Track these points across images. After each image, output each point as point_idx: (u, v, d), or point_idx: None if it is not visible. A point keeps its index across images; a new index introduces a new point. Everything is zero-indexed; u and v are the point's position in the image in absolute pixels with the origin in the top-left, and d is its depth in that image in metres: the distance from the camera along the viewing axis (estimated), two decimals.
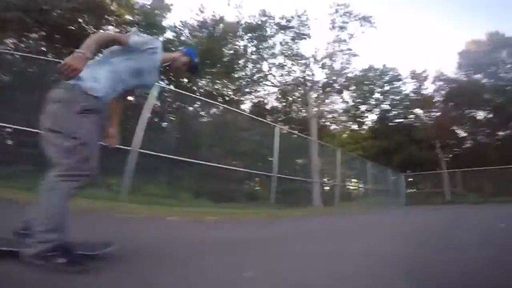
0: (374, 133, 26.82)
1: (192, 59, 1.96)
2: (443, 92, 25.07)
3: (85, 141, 1.39)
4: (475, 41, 23.96)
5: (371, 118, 28.36)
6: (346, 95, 27.10)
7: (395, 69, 26.48)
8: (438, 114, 23.60)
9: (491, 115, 23.54)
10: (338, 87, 22.62)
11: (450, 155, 24.18)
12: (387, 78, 26.92)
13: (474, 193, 15.36)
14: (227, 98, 19.95)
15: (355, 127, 28.29)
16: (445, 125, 22.85)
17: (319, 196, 12.51)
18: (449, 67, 25.98)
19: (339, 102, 26.68)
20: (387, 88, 26.98)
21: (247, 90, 21.65)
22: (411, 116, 25.91)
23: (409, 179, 20.19)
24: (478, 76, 23.27)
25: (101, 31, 3.13)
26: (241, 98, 22.38)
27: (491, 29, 27.30)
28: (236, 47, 19.14)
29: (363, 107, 28.16)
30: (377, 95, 27.39)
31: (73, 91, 1.41)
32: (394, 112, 26.99)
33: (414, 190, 19.09)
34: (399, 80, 26.41)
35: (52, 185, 1.33)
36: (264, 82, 20.99)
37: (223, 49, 18.58)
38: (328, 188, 14.11)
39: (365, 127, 28.47)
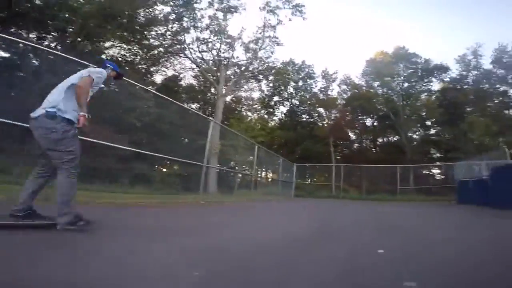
0: (282, 124, 28.12)
1: (116, 70, 2.80)
2: (345, 95, 27.90)
3: (77, 152, 2.31)
4: (383, 52, 26.55)
5: (281, 110, 29.49)
6: (263, 84, 27.27)
7: (311, 66, 27.86)
8: (337, 115, 25.99)
9: (375, 123, 27.65)
10: (256, 73, 22.18)
11: (341, 154, 27.23)
12: (302, 74, 28.28)
13: (355, 188, 17.19)
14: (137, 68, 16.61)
15: (267, 116, 28.88)
16: (340, 126, 25.49)
17: (216, 183, 11.12)
18: (356, 73, 29.23)
19: (256, 90, 26.86)
20: (300, 84, 28.39)
21: (162, 61, 18.80)
22: (315, 113, 27.80)
23: (307, 171, 21.24)
24: (376, 84, 26.40)
25: (78, 89, 2.38)
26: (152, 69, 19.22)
27: (399, 43, 31.70)
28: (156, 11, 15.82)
29: (276, 98, 29.19)
30: (291, 89, 28.67)
31: (57, 120, 2.21)
32: (302, 108, 28.59)
33: (307, 182, 20.09)
34: (312, 78, 27.99)
35: (65, 180, 2.23)
36: (181, 56, 18.53)
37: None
38: (234, 175, 12.98)
39: (275, 117, 29.48)
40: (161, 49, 17.18)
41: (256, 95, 27.05)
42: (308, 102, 27.50)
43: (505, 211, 5.98)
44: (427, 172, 21.48)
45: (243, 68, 19.64)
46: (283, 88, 28.31)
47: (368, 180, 17.87)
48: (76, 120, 2.28)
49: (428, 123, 25.55)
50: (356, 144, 28.28)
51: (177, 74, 21.76)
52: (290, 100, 28.93)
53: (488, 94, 23.02)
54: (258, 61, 20.24)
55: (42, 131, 2.18)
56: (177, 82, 22.54)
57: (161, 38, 16.51)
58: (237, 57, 19.12)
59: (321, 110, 27.20)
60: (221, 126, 11.97)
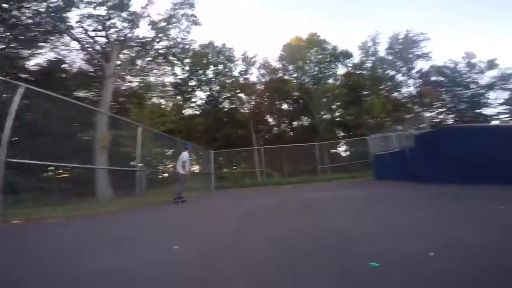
0: (203, 111, 25.94)
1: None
2: (263, 80, 27.48)
3: None
4: (298, 38, 26.97)
5: (200, 96, 27.14)
6: (178, 68, 24.19)
7: (232, 49, 26.12)
8: (257, 100, 25.36)
9: (291, 107, 28.46)
10: (167, 54, 19.24)
11: (262, 139, 27.06)
12: (222, 57, 26.33)
13: (278, 173, 16.78)
14: None
15: (182, 103, 26.09)
16: (260, 111, 25.08)
17: (107, 186, 8.36)
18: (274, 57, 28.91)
19: (169, 75, 23.64)
20: (221, 67, 26.43)
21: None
22: (236, 99, 26.43)
23: (232, 160, 19.92)
24: (291, 68, 26.69)
25: None
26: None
27: (313, 30, 32.71)
28: None
29: (194, 83, 26.56)
30: (210, 74, 26.41)
31: None
32: (223, 94, 26.78)
33: (231, 170, 18.83)
34: (232, 61, 26.33)
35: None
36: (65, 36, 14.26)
37: None
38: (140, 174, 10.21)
39: (193, 104, 26.96)
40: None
41: (170, 80, 23.86)
42: (228, 87, 25.84)
43: (432, 184, 5.79)
44: (335, 151, 23.30)
45: (147, 47, 16.63)
46: (201, 72, 25.90)
47: (290, 163, 17.80)
48: None
49: (334, 106, 27.78)
50: (275, 129, 28.60)
51: (61, 57, 16.87)
52: (209, 86, 26.74)
53: (381, 78, 26.45)
54: (171, 41, 17.64)
55: None
56: (60, 66, 17.51)
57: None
58: (143, 36, 16.34)
59: (241, 95, 26.03)
60: (111, 116, 9.03)
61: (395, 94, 27.49)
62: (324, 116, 27.91)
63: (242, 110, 25.15)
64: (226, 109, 26.30)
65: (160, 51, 18.96)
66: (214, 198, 9.57)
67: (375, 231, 2.71)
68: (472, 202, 3.94)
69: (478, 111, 25.12)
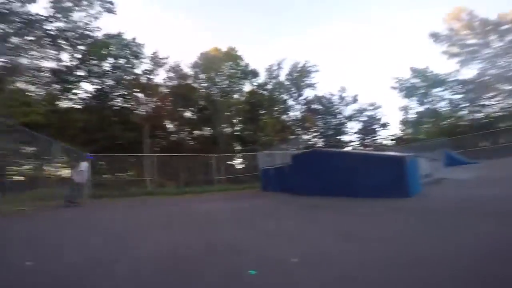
0: (86, 106, 21.92)
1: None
2: (169, 84, 26.10)
3: None
4: (217, 49, 27.67)
5: (87, 88, 22.94)
6: (66, 53, 19.82)
7: (141, 45, 23.34)
8: (158, 104, 23.69)
9: (194, 116, 28.08)
10: (58, 37, 15.59)
11: (158, 146, 25.30)
12: (127, 51, 23.25)
13: (172, 182, 16.01)
14: None
15: (60, 93, 21.30)
16: (159, 115, 23.55)
17: None
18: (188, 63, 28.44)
19: (50, 59, 19.01)
20: (122, 62, 23.23)
21: None
22: (131, 98, 23.75)
23: (116, 165, 17.45)
24: (202, 77, 26.59)
25: None
26: None
27: (232, 44, 33.51)
28: None
29: (81, 73, 22.23)
30: (106, 66, 22.79)
31: None
32: (117, 91, 23.48)
33: (111, 177, 16.50)
34: (138, 58, 23.59)
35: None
36: None
37: None
38: None
39: (73, 96, 22.43)
40: None
41: (50, 65, 19.24)
42: (125, 84, 22.90)
43: (303, 197, 6.88)
44: (232, 163, 24.43)
45: (35, 25, 13.27)
46: (95, 63, 22.05)
47: (186, 172, 17.33)
48: None
49: (235, 120, 29.33)
50: (174, 136, 27.41)
51: None
52: (102, 79, 23.03)
53: (277, 101, 29.98)
54: (69, 24, 14.49)
55: None
56: None
57: None
58: (36, 14, 13.80)
59: (140, 95, 23.60)
60: None
61: (285, 116, 31.65)
62: (225, 129, 28.94)
63: (137, 112, 22.87)
64: (117, 108, 23.24)
65: (50, 32, 15.29)
66: (88, 208, 8.16)
67: (251, 240, 3.00)
68: (330, 213, 4.94)
69: (339, 137, 32.01)
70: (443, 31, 27.95)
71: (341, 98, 33.82)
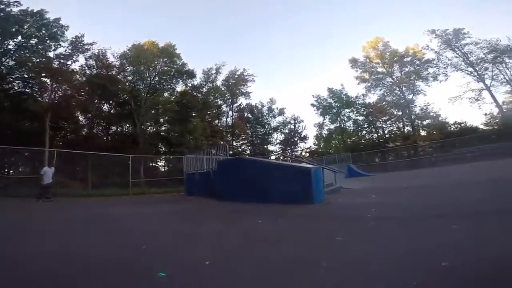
0: None
1: None
2: (89, 72, 22.87)
3: None
4: (153, 42, 26.33)
5: None
6: None
7: (62, 27, 19.76)
8: (68, 92, 20.30)
9: (113, 110, 25.26)
10: None
11: (64, 139, 21.75)
12: (44, 32, 19.11)
13: (80, 182, 13.98)
14: None
15: None
16: (68, 105, 20.27)
17: None
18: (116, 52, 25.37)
19: None
20: (33, 42, 19.03)
21: None
22: (34, 82, 19.71)
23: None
24: (129, 69, 24.71)
25: None
26: None
27: (172, 41, 31.16)
28: None
29: None
30: (10, 45, 18.41)
31: None
32: (17, 73, 19.09)
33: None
34: (56, 39, 19.62)
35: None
36: None
37: None
38: None
39: None
40: None
41: None
42: (30, 66, 18.80)
43: (226, 202, 7.05)
44: (155, 165, 22.96)
45: None
46: None
47: (97, 172, 15.33)
48: None
49: (162, 120, 27.75)
50: (85, 130, 24.01)
51: None
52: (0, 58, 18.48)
53: (210, 105, 29.77)
54: None
55: None
56: None
57: None
58: None
59: (46, 80, 19.75)
60: None
61: (216, 121, 31.76)
62: (148, 128, 26.96)
63: (39, 99, 19.15)
64: (12, 92, 18.98)
65: None
66: None
67: (169, 245, 3.00)
68: (244, 218, 5.25)
69: (266, 146, 33.97)
70: (360, 58, 32.93)
71: (270, 109, 36.04)
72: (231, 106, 33.57)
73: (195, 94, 29.06)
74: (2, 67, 18.63)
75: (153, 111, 26.07)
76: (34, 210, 7.31)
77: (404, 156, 25.64)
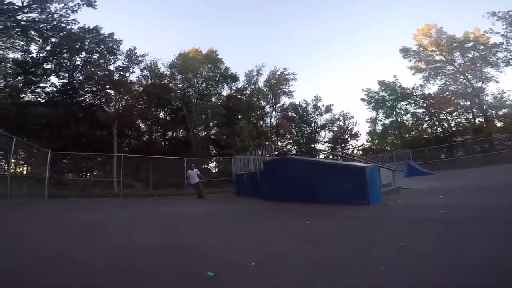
0: (50, 100, 20.55)
1: None
2: (144, 82, 25.33)
3: None
4: (197, 50, 27.74)
5: (53, 81, 21.64)
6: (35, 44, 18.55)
7: (119, 41, 22.10)
8: (129, 101, 22.79)
9: (168, 117, 27.47)
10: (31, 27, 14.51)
11: (129, 146, 24.37)
12: (103, 47, 22.02)
13: (142, 184, 15.47)
14: None
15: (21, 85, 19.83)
16: (130, 114, 22.69)
17: None
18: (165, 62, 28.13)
19: (17, 50, 17.89)
20: (95, 57, 22.02)
21: None
22: (101, 94, 22.63)
23: (81, 164, 16.65)
24: (178, 78, 26.31)
25: None
26: None
27: (214, 46, 33.21)
28: None
29: (49, 66, 20.89)
30: (78, 61, 21.62)
31: None
32: (87, 87, 22.19)
33: (74, 176, 15.67)
34: (114, 54, 22.06)
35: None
36: None
37: None
38: None
39: (37, 89, 20.99)
40: None
41: (15, 55, 17.94)
42: (97, 79, 21.69)
43: (273, 202, 7.02)
44: (207, 166, 24.12)
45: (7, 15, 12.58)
46: (66, 56, 20.84)
47: (156, 174, 16.77)
48: None
49: (211, 124, 29.08)
50: (146, 136, 26.58)
51: None
52: (71, 73, 21.79)
53: (254, 106, 30.21)
54: (43, 15, 13.56)
55: None
56: None
57: None
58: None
59: (111, 92, 22.50)
60: None
61: (261, 122, 32.02)
62: (200, 132, 28.56)
63: (107, 109, 21.87)
64: (85, 104, 22.07)
65: (21, 22, 14.20)
66: (42, 208, 7.64)
67: (219, 244, 3.08)
68: (294, 218, 5.11)
69: (313, 145, 32.93)
70: (412, 47, 29.88)
71: (316, 107, 34.90)
72: (274, 107, 33.46)
73: (239, 96, 29.80)
74: (74, 81, 21.70)
75: (203, 116, 27.50)
76: (107, 207, 8.30)
77: (476, 151, 22.12)
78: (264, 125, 32.47)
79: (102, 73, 21.46)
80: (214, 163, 24.08)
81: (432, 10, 42.87)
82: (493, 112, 25.84)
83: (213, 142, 27.00)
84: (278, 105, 33.84)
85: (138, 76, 25.30)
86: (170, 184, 15.10)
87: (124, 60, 22.28)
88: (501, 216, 3.53)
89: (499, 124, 25.44)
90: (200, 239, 3.42)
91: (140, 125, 26.18)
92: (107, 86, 21.49)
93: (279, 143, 32.45)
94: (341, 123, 34.21)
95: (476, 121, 26.53)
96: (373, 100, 33.38)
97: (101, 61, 21.93)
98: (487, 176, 10.29)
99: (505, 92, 25.12)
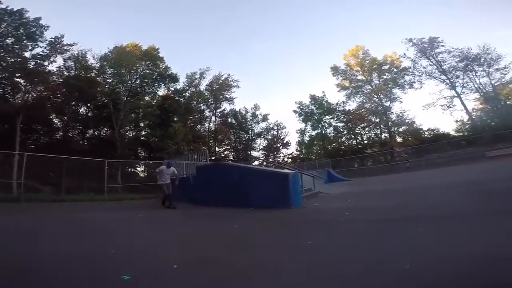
0: None
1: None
2: (67, 73, 21.95)
3: None
4: (136, 45, 26.19)
5: None
6: None
7: (45, 27, 18.69)
8: (42, 93, 19.40)
9: (90, 113, 24.42)
10: None
11: (37, 142, 20.71)
12: (22, 31, 18.02)
13: (51, 187, 13.29)
14: None
15: None
16: (43, 107, 19.39)
17: None
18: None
19: None
20: (9, 41, 17.90)
21: None
22: (7, 83, 18.58)
23: None
24: (109, 72, 23.74)
25: None
26: None
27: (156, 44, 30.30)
28: None
29: None
30: None
31: None
32: None
33: None
34: (34, 39, 18.44)
35: None
36: None
37: None
38: None
39: None
40: None
41: None
42: (4, 66, 17.67)
43: (205, 207, 7.02)
44: (133, 170, 22.29)
45: None
46: None
47: (70, 177, 14.58)
48: None
49: (142, 124, 27.05)
50: (60, 133, 22.99)
51: None
52: None
53: (193, 110, 29.42)
54: None
55: None
56: None
57: None
58: None
59: (20, 81, 18.67)
60: None
61: (199, 126, 31.45)
62: (128, 132, 26.23)
63: (11, 100, 18.15)
64: None
65: None
66: None
67: (141, 249, 2.97)
68: (222, 222, 5.25)
69: (249, 152, 33.99)
70: (342, 66, 33.96)
71: (254, 115, 36.19)
72: (214, 111, 33.43)
73: (177, 98, 28.66)
74: None
75: (133, 115, 25.41)
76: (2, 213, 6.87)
77: (381, 162, 26.61)
78: (202, 129, 31.94)
79: (13, 60, 17.83)
80: (143, 166, 22.41)
81: (364, 33, 49.83)
82: (395, 128, 31.37)
83: (143, 144, 25.11)
84: (219, 110, 33.89)
85: (59, 66, 21.92)
86: (89, 189, 13.39)
87: (45, 48, 19.05)
88: (390, 217, 4.38)
89: (399, 139, 31.01)
90: (118, 245, 3.23)
91: (54, 120, 22.57)
92: (17, 74, 17.88)
93: (217, 149, 32.37)
94: (275, 132, 36.34)
95: (383, 136, 31.75)
96: (304, 113, 36.50)
97: (15, 46, 18.22)
98: (387, 183, 12.43)
99: (406, 112, 30.90)
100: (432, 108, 29.39)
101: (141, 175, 22.29)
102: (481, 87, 27.55)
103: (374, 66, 32.18)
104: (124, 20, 48.41)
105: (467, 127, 28.47)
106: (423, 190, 7.71)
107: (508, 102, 26.87)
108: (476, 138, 23.71)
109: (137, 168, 22.77)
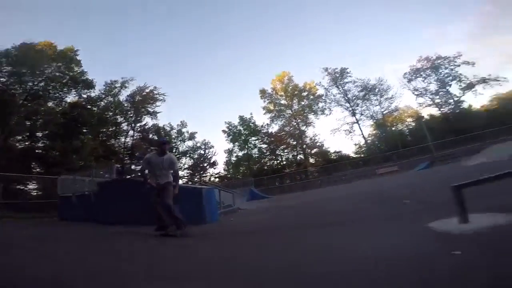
0: None
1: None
2: None
3: None
4: (50, 44, 23.41)
5: None
6: None
7: None
8: None
9: None
10: None
11: None
12: None
13: None
14: None
15: None
16: None
17: None
18: None
19: None
20: None
21: None
22: None
23: None
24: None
25: None
26: None
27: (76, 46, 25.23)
28: None
29: None
30: None
31: None
32: None
33: None
34: None
35: None
36: None
37: None
38: None
39: None
40: None
41: None
42: None
43: (108, 227, 6.19)
44: (23, 188, 18.18)
45: None
46: None
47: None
48: None
49: (40, 134, 22.58)
50: None
51: None
52: None
53: (107, 121, 26.17)
54: None
55: None
56: None
57: None
58: None
59: None
60: None
61: (113, 140, 27.98)
62: (19, 142, 21.52)
63: None
64: None
65: None
66: None
67: None
68: (120, 240, 4.71)
69: None
70: (269, 89, 36.52)
71: (180, 132, 34.72)
72: (133, 125, 30.44)
73: (89, 107, 25.16)
74: None
75: (28, 122, 21.08)
76: None
77: (297, 180, 29.18)
78: (117, 144, 28.55)
79: None
80: (35, 183, 18.42)
81: (290, 59, 54.46)
82: (309, 150, 35.09)
83: (37, 158, 20.79)
84: (139, 124, 30.93)
85: None
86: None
87: None
88: (296, 227, 4.75)
89: (312, 159, 34.75)
90: None
91: None
92: None
93: (133, 166, 29.20)
94: (202, 152, 35.47)
95: (298, 157, 35.01)
96: (232, 133, 37.18)
97: None
98: (300, 198, 13.51)
99: (317, 135, 35.06)
100: (338, 133, 34.38)
101: (34, 193, 18.25)
102: (373, 115, 33.90)
103: (295, 92, 35.97)
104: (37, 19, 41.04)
105: (363, 149, 34.21)
106: (325, 202, 8.68)
107: (393, 128, 33.75)
108: (370, 159, 28.69)
109: (29, 186, 18.52)
